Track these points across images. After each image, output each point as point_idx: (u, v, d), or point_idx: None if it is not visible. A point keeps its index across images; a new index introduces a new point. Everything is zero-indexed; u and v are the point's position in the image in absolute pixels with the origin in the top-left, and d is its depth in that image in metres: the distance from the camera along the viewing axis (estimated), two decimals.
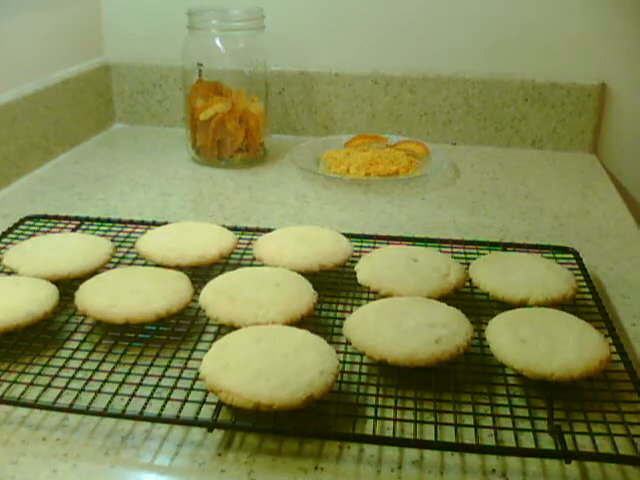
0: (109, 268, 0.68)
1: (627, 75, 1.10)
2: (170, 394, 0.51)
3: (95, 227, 0.79)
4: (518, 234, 0.83)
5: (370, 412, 0.51)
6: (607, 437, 0.48)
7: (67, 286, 0.64)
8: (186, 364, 0.55)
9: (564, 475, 0.47)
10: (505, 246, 0.75)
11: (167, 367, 0.55)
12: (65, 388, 0.52)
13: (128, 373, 0.54)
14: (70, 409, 0.49)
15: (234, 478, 0.46)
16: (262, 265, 0.68)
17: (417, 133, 1.17)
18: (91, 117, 1.18)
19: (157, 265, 0.68)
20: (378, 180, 0.98)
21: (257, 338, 0.53)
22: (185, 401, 0.50)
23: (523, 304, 0.61)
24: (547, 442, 0.49)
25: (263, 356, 0.51)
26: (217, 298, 0.59)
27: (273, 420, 0.48)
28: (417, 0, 1.12)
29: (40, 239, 0.71)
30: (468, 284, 0.66)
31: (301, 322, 0.58)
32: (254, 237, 0.76)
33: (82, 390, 0.51)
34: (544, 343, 0.53)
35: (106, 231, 0.78)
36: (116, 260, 0.72)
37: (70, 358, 0.56)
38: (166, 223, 0.77)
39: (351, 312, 0.61)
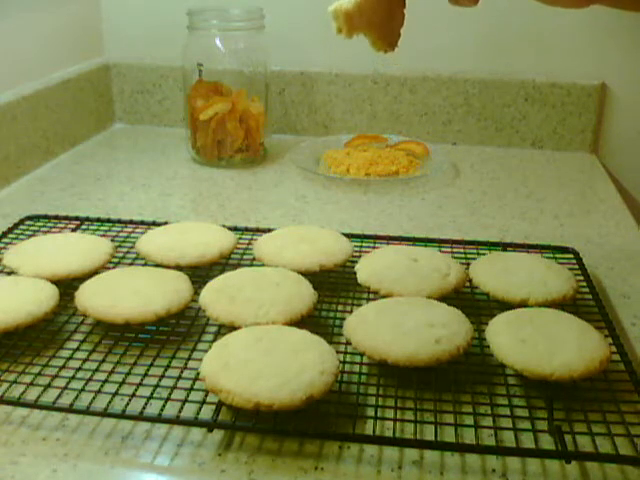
0: (109, 268, 0.68)
1: (627, 75, 1.10)
2: (170, 394, 0.51)
3: (95, 227, 0.79)
4: (518, 234, 0.83)
5: (370, 412, 0.51)
6: (607, 437, 0.48)
7: (67, 286, 0.64)
8: (186, 364, 0.55)
9: (564, 475, 0.47)
10: (505, 246, 0.75)
11: (167, 367, 0.54)
12: (65, 388, 0.52)
13: (128, 373, 0.54)
14: (70, 409, 0.49)
15: (234, 478, 0.46)
16: (262, 265, 0.68)
17: (417, 133, 1.17)
18: (91, 117, 1.18)
19: (157, 265, 0.68)
20: (378, 180, 0.98)
21: (257, 338, 0.53)
22: (185, 401, 0.50)
23: (523, 304, 0.61)
24: (547, 442, 0.49)
25: (263, 356, 0.51)
26: (217, 298, 0.59)
27: (273, 420, 0.48)
28: (417, 0, 1.12)
29: (40, 239, 0.71)
30: (468, 284, 0.66)
31: (301, 322, 0.58)
32: (254, 237, 0.76)
33: (82, 390, 0.52)
34: (544, 343, 0.53)
35: (106, 231, 0.78)
36: (116, 260, 0.72)
37: (70, 358, 0.56)
38: (166, 223, 0.77)
39: (351, 312, 0.61)
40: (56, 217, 0.80)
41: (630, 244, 0.81)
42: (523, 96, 1.12)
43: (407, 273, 0.64)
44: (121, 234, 0.77)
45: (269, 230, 0.75)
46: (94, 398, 0.51)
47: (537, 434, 0.49)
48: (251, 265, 0.70)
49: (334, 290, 0.67)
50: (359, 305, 0.62)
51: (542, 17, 1.10)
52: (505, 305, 0.62)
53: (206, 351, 0.53)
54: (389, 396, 0.52)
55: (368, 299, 0.65)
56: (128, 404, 0.50)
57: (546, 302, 0.61)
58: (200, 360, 0.52)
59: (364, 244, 0.75)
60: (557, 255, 0.74)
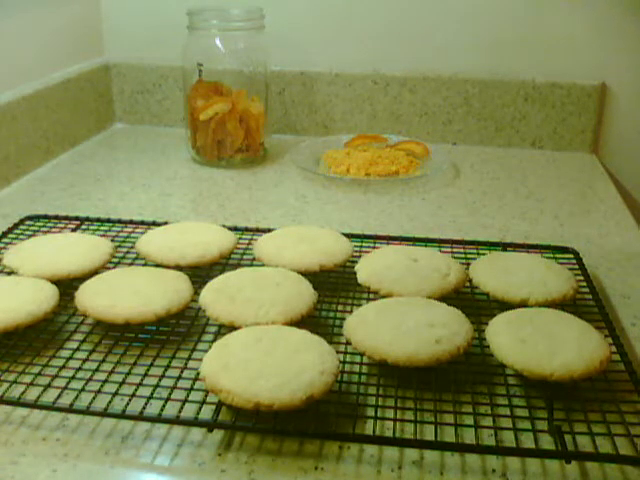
0: (109, 268, 0.68)
1: (627, 75, 1.10)
2: (170, 394, 0.51)
3: (95, 227, 0.79)
4: (518, 234, 0.83)
5: (370, 412, 0.51)
6: (607, 437, 0.48)
7: (67, 286, 0.64)
8: (186, 364, 0.55)
9: (564, 475, 0.47)
10: (505, 246, 0.75)
11: (167, 367, 0.54)
12: (65, 388, 0.52)
13: (128, 373, 0.54)
14: (70, 409, 0.49)
15: (234, 478, 0.46)
16: (262, 265, 0.68)
17: (417, 133, 1.17)
18: (91, 117, 1.18)
19: (157, 265, 0.68)
20: (378, 180, 0.98)
21: (257, 338, 0.53)
22: (185, 401, 0.50)
23: (523, 304, 0.61)
24: (547, 442, 0.49)
25: (263, 356, 0.51)
26: (217, 298, 0.59)
27: (273, 420, 0.48)
28: (417, 0, 1.12)
29: (40, 239, 0.71)
30: (468, 284, 0.66)
31: (301, 322, 0.58)
32: (254, 237, 0.76)
33: (82, 390, 0.52)
34: (544, 343, 0.53)
35: (106, 231, 0.78)
36: (116, 260, 0.72)
37: (70, 358, 0.56)
38: (166, 223, 0.77)
39: (351, 312, 0.61)
40: (56, 217, 0.80)
41: (630, 244, 0.81)
42: (523, 96, 1.12)
43: (407, 273, 0.64)
44: (121, 234, 0.77)
45: (269, 230, 0.75)
46: (94, 398, 0.51)
47: (537, 434, 0.49)
48: (251, 265, 0.70)
49: (334, 290, 0.67)
50: (359, 305, 0.62)
51: (542, 17, 1.10)
52: (505, 305, 0.62)
53: (206, 351, 0.53)
54: (389, 396, 0.52)
55: (368, 299, 0.65)
56: (128, 404, 0.50)
57: (546, 302, 0.61)
58: (200, 360, 0.52)
59: (364, 244, 0.75)
60: (557, 255, 0.74)
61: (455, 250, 0.74)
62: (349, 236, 0.74)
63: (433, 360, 0.52)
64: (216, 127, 1.02)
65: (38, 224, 0.79)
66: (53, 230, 0.78)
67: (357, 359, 0.56)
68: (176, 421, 0.49)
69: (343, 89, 1.17)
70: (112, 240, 0.74)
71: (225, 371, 0.49)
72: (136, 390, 0.52)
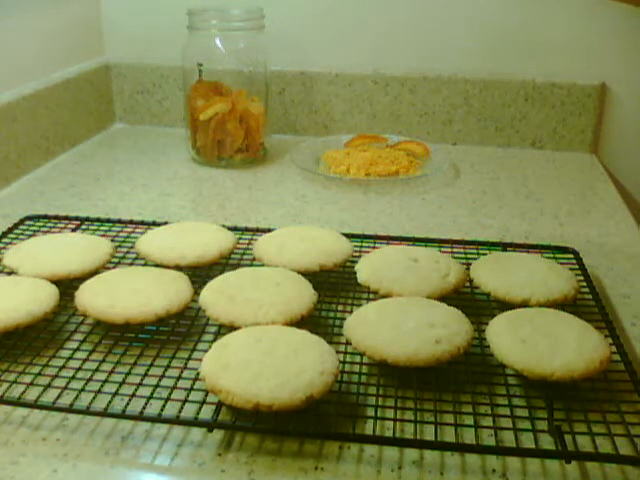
0: (109, 268, 0.68)
1: (627, 75, 1.10)
2: (170, 394, 0.51)
3: (95, 227, 0.79)
4: (518, 234, 0.83)
5: (370, 412, 0.51)
6: (607, 437, 0.48)
7: (67, 286, 0.64)
8: (186, 364, 0.55)
9: (564, 475, 0.47)
10: (505, 246, 0.75)
11: (167, 367, 0.54)
12: (65, 388, 0.52)
13: (128, 373, 0.54)
14: (70, 409, 0.49)
15: (234, 478, 0.46)
16: (262, 265, 0.68)
17: (417, 133, 1.17)
18: (91, 117, 1.18)
19: (157, 265, 0.68)
20: (378, 180, 0.98)
21: (257, 338, 0.53)
22: (185, 401, 0.50)
23: (525, 304, 0.61)
24: (547, 442, 0.49)
25: (263, 356, 0.51)
26: (217, 298, 0.59)
27: (273, 420, 0.48)
28: (417, 0, 1.12)
29: (40, 239, 0.71)
30: (468, 284, 0.66)
31: (301, 322, 0.58)
32: (254, 237, 0.76)
33: (82, 390, 0.52)
34: (544, 343, 0.53)
35: (106, 231, 0.78)
36: (116, 260, 0.72)
37: (70, 358, 0.56)
38: (166, 223, 0.77)
39: (351, 312, 0.61)
40: (56, 217, 0.80)
41: (630, 244, 0.81)
42: (523, 96, 1.12)
43: (407, 273, 0.64)
44: (121, 234, 0.77)
45: (269, 230, 0.75)
46: (94, 398, 0.51)
47: (537, 434, 0.49)
48: (251, 265, 0.70)
49: (334, 290, 0.67)
50: (359, 305, 0.62)
51: (542, 17, 1.10)
52: (505, 305, 0.62)
53: (206, 351, 0.53)
54: (389, 396, 0.52)
55: (368, 299, 0.65)
56: (128, 404, 0.50)
57: (548, 302, 0.61)
58: (200, 360, 0.52)
59: (364, 244, 0.75)
60: (557, 255, 0.74)
61: (455, 250, 0.74)
62: (349, 236, 0.74)
63: (433, 360, 0.52)
64: (216, 127, 1.02)
65: (38, 224, 0.79)
66: (53, 230, 0.78)
67: (357, 359, 0.56)
68: (176, 421, 0.49)
69: (343, 89, 1.17)
70: (112, 240, 0.74)
71: (225, 371, 0.49)
72: (136, 390, 0.52)
